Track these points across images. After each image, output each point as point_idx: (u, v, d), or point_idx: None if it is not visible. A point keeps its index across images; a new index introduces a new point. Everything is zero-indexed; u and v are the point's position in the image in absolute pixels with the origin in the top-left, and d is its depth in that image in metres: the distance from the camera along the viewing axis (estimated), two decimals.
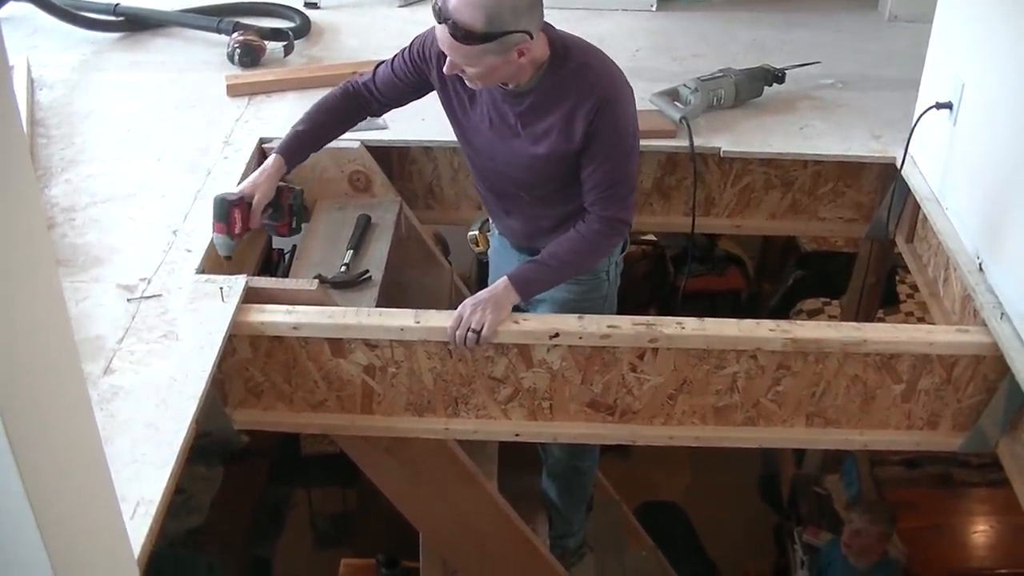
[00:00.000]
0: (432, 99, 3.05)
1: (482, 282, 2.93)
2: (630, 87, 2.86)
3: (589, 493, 4.14)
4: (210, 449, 4.14)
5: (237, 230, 3.01)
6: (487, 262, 3.53)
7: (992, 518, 5.36)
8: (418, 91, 3.07)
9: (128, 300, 2.91)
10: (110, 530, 1.69)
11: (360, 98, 3.13)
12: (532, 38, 2.64)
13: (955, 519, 5.44)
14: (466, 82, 2.78)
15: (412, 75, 2.98)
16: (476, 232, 3.42)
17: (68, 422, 1.46)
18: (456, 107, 2.98)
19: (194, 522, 5.26)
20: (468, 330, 2.82)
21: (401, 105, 3.19)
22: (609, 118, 2.74)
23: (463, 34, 2.57)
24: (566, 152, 2.81)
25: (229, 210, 2.99)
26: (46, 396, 1.37)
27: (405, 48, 2.99)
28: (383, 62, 3.08)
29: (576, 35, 2.89)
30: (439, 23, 2.61)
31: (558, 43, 2.77)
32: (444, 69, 2.75)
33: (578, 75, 2.76)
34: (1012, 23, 3.02)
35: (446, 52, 2.68)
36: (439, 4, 2.60)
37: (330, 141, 3.25)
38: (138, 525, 2.23)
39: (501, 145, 2.93)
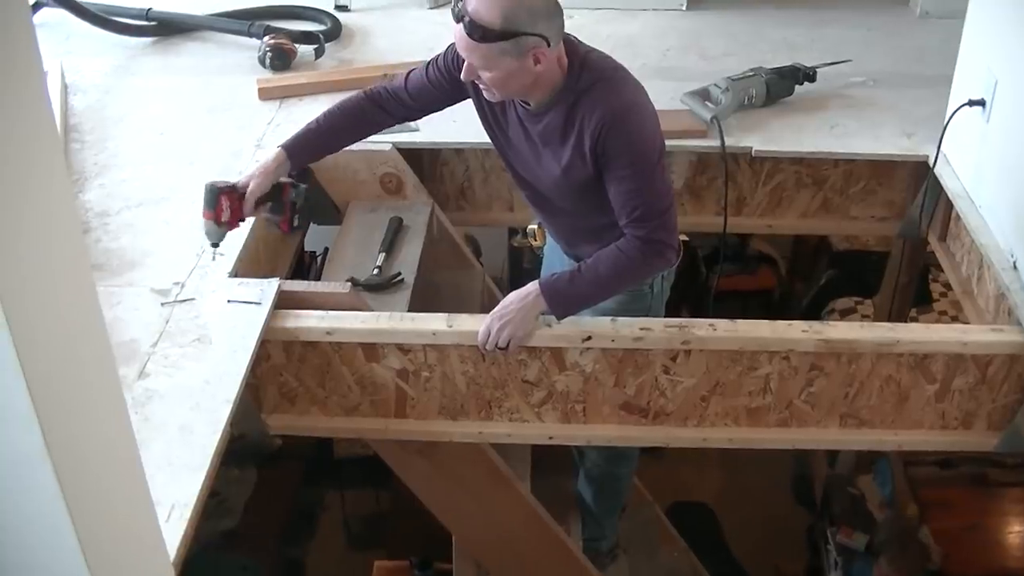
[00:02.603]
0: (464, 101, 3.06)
1: (515, 283, 2.92)
2: (647, 104, 2.83)
3: (624, 498, 4.14)
4: (244, 452, 4.17)
5: (224, 218, 2.97)
6: (527, 266, 3.52)
7: None
8: (452, 98, 3.06)
9: (162, 304, 2.93)
10: (146, 533, 1.70)
11: (382, 105, 3.11)
12: (550, 46, 2.64)
13: (990, 519, 5.41)
14: (484, 93, 2.79)
15: (447, 82, 2.97)
16: (535, 227, 3.40)
17: (104, 426, 1.47)
18: (490, 118, 2.99)
19: (228, 524, 5.29)
20: (495, 346, 2.84)
21: (433, 111, 3.18)
22: (618, 136, 2.71)
23: (480, 32, 2.58)
24: (584, 172, 2.81)
25: (217, 197, 2.96)
26: (82, 400, 1.38)
27: (440, 54, 2.99)
28: (415, 68, 3.08)
29: (602, 52, 2.87)
30: (456, 23, 2.62)
31: (576, 63, 2.76)
32: (462, 75, 2.76)
33: (587, 94, 2.74)
34: None
35: (463, 54, 2.69)
36: (458, 4, 2.61)
37: (343, 146, 3.24)
38: (173, 528, 2.24)
39: (532, 159, 2.94)
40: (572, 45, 2.78)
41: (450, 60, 2.93)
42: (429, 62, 3.02)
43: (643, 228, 2.77)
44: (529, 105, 2.83)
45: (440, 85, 3.00)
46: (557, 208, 3.08)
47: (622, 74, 2.82)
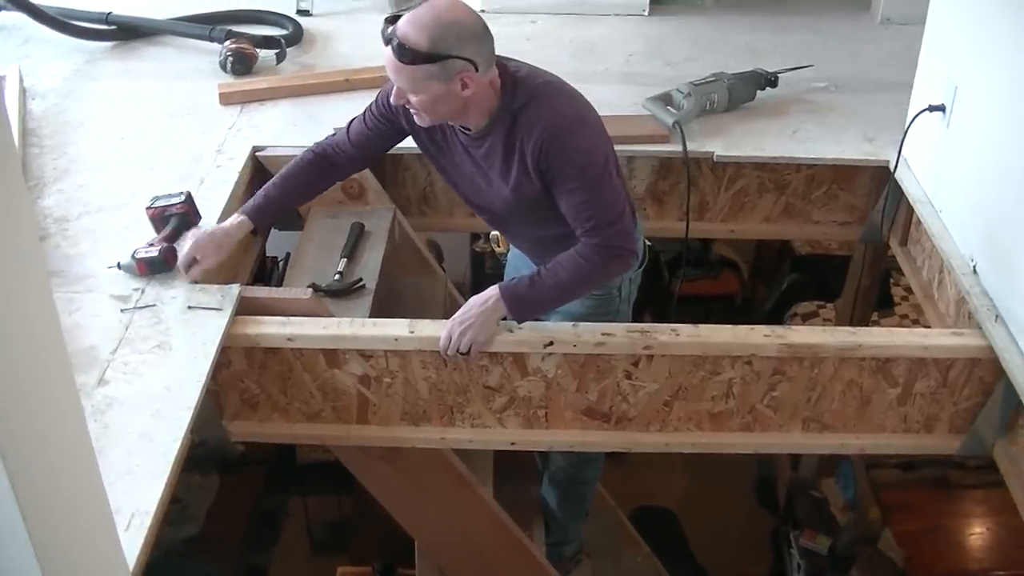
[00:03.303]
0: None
1: (477, 288, 2.92)
2: (586, 114, 2.83)
3: (588, 503, 4.14)
4: (206, 458, 4.14)
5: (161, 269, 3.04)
6: (490, 271, 3.52)
7: (989, 520, 5.35)
8: (393, 139, 3.08)
9: (122, 310, 2.91)
10: (104, 542, 1.68)
11: (330, 160, 3.11)
12: (478, 70, 2.65)
13: (952, 521, 5.43)
14: (415, 118, 2.80)
15: (383, 123, 2.99)
16: (499, 232, 3.40)
17: (60, 433, 1.46)
18: (432, 149, 3.01)
19: (190, 531, 5.26)
20: (457, 352, 2.84)
21: (378, 155, 3.24)
22: (558, 150, 2.72)
23: (409, 55, 2.60)
24: (533, 190, 2.81)
25: (166, 257, 3.03)
26: (38, 408, 1.37)
27: (373, 101, 3.01)
28: (353, 119, 3.09)
29: (533, 68, 2.88)
30: (385, 45, 2.64)
31: (509, 85, 2.77)
32: (392, 99, 2.79)
33: (523, 112, 2.75)
34: (1005, 24, 3.03)
35: (391, 77, 2.71)
36: (388, 28, 2.64)
37: (301, 205, 3.30)
38: (133, 537, 2.22)
39: (482, 183, 2.95)
40: (503, 67, 2.79)
41: (382, 101, 2.96)
42: (365, 110, 3.04)
43: (598, 236, 2.78)
44: (469, 130, 2.84)
45: (379, 129, 3.01)
46: (515, 225, 3.11)
47: (556, 87, 2.83)
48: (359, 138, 3.06)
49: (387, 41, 2.63)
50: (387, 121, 2.98)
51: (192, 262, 2.97)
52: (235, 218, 3.05)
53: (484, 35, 2.68)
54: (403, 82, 2.69)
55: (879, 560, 5.23)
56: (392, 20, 2.64)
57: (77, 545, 1.53)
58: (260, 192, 3.10)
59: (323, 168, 3.12)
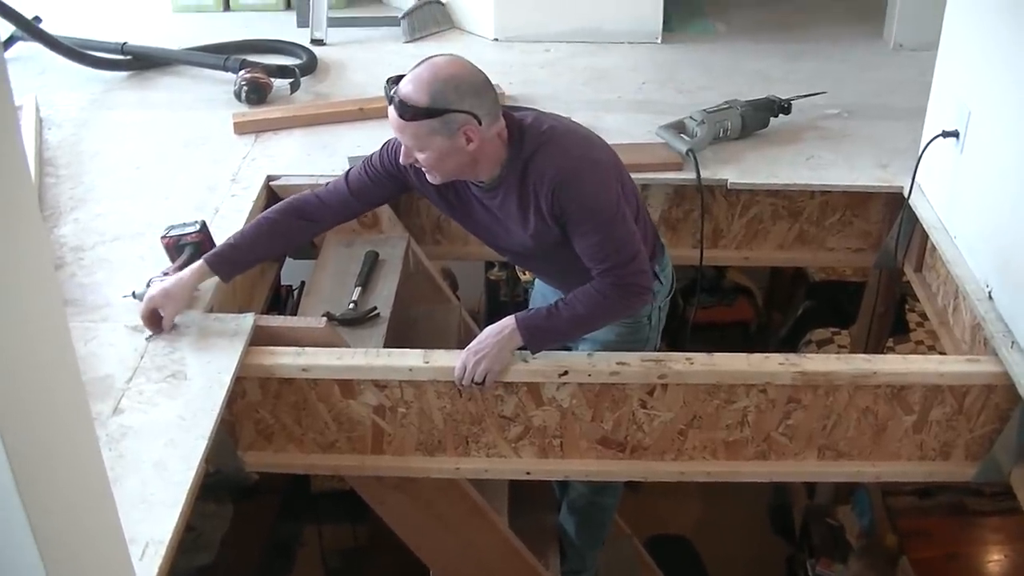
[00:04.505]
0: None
1: (492, 316, 2.92)
2: (597, 153, 2.85)
3: (607, 530, 4.12)
4: (220, 486, 4.13)
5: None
6: (504, 299, 3.53)
7: (1007, 547, 5.32)
8: (392, 193, 3.13)
9: (147, 339, 2.91)
10: (119, 572, 1.68)
11: (305, 215, 3.09)
12: (481, 123, 2.66)
13: (969, 548, 5.40)
14: (427, 176, 2.82)
15: (386, 178, 2.99)
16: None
17: (75, 463, 1.46)
18: (444, 206, 3.03)
19: (204, 560, 5.25)
20: (472, 382, 2.85)
21: (376, 206, 3.31)
22: (570, 197, 2.73)
23: (410, 112, 2.63)
24: (553, 234, 2.83)
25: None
26: (53, 437, 1.37)
27: (374, 153, 3.02)
28: (349, 169, 3.10)
29: (538, 113, 2.90)
30: (389, 104, 2.68)
31: (516, 134, 2.78)
32: (401, 159, 2.81)
33: (533, 160, 2.76)
34: (1017, 50, 3.03)
35: (398, 136, 2.74)
36: (390, 89, 2.67)
37: (270, 257, 3.26)
38: (147, 566, 2.22)
39: (500, 232, 2.96)
40: (509, 116, 2.81)
41: (388, 156, 2.96)
42: (363, 161, 3.04)
43: (613, 275, 2.80)
44: (482, 183, 2.86)
45: (380, 181, 3.01)
46: (541, 265, 3.16)
47: (562, 130, 2.84)
48: (358, 187, 3.05)
49: (390, 100, 2.67)
50: (391, 177, 2.98)
51: (152, 316, 2.94)
52: (194, 266, 3.01)
53: (484, 88, 2.70)
54: (408, 139, 2.71)
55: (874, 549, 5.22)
56: (395, 80, 2.69)
57: (91, 574, 1.53)
58: (227, 240, 3.07)
59: (293, 225, 3.08)
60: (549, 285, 3.29)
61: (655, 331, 3.26)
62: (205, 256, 3.03)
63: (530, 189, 2.77)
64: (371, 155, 3.03)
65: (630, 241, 2.82)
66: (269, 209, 3.13)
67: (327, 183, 3.14)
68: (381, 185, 3.02)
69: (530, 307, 3.10)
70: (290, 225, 3.08)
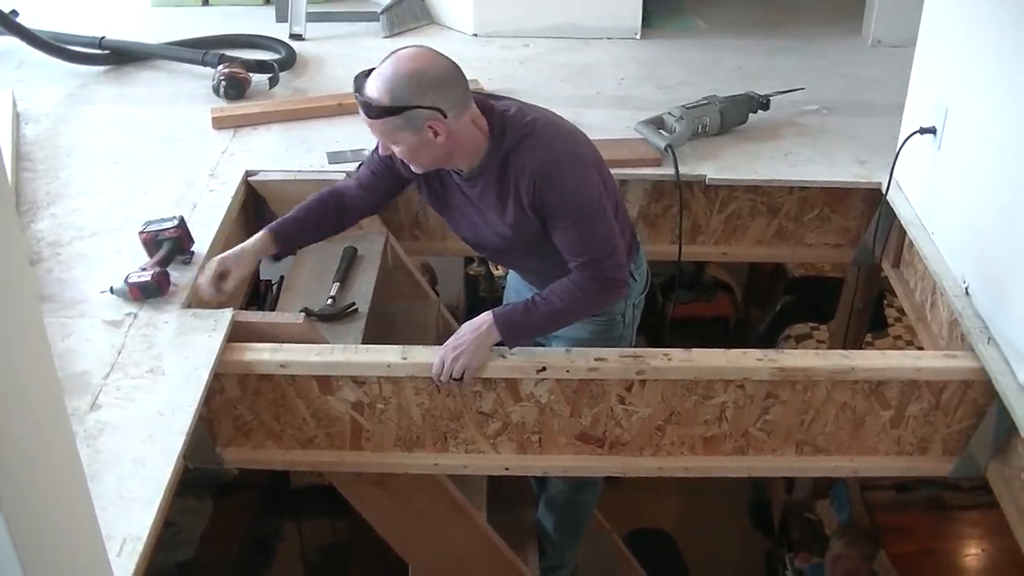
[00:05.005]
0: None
1: (471, 311, 2.92)
2: (579, 148, 2.85)
3: (585, 527, 4.13)
4: (199, 482, 4.13)
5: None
6: (483, 294, 3.52)
7: (984, 541, 5.34)
8: (395, 185, 3.12)
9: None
10: (95, 568, 1.68)
11: (343, 200, 3.12)
12: (447, 117, 2.66)
13: (947, 543, 5.42)
14: (410, 166, 2.84)
15: (384, 170, 3.02)
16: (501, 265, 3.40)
17: (51, 459, 1.45)
18: (429, 195, 3.03)
19: (184, 555, 5.24)
20: (450, 377, 2.85)
21: (381, 206, 3.30)
22: (551, 189, 2.73)
23: (374, 110, 2.66)
24: (531, 227, 2.83)
25: (158, 282, 3.03)
26: (28, 434, 1.36)
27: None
28: (360, 165, 3.15)
29: (522, 105, 2.90)
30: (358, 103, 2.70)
31: (497, 125, 2.79)
32: (380, 150, 2.84)
33: (515, 152, 2.76)
34: (994, 47, 3.04)
35: (370, 130, 2.76)
36: (357, 84, 2.70)
37: (315, 241, 3.23)
38: (125, 563, 2.21)
39: (480, 223, 2.96)
40: (490, 107, 2.81)
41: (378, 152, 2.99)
42: (372, 153, 3.07)
43: (592, 269, 2.81)
44: (462, 172, 2.86)
45: (380, 173, 3.04)
46: (518, 259, 3.15)
47: (543, 123, 2.84)
48: (367, 182, 3.09)
49: (357, 99, 2.69)
50: (387, 168, 3.01)
51: (218, 278, 2.97)
52: (259, 235, 3.04)
53: (448, 81, 2.69)
54: (378, 135, 2.75)
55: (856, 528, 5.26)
56: (365, 76, 2.70)
57: (67, 571, 1.52)
58: (283, 219, 3.09)
59: (336, 206, 3.11)
60: (525, 280, 3.28)
61: (629, 329, 3.26)
62: (271, 226, 3.05)
63: (511, 181, 2.77)
64: (374, 147, 3.03)
65: (609, 236, 2.82)
66: (314, 195, 3.14)
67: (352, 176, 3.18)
68: (382, 177, 3.04)
69: (504, 303, 3.09)
70: (335, 210, 3.12)
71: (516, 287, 3.39)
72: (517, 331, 2.87)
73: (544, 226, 2.81)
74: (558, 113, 2.96)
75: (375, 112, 2.66)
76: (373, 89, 2.65)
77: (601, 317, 3.13)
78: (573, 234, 2.78)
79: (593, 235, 2.79)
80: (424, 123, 2.65)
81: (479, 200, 2.89)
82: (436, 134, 2.67)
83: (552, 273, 2.90)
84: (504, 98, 2.91)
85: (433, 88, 2.65)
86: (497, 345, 2.88)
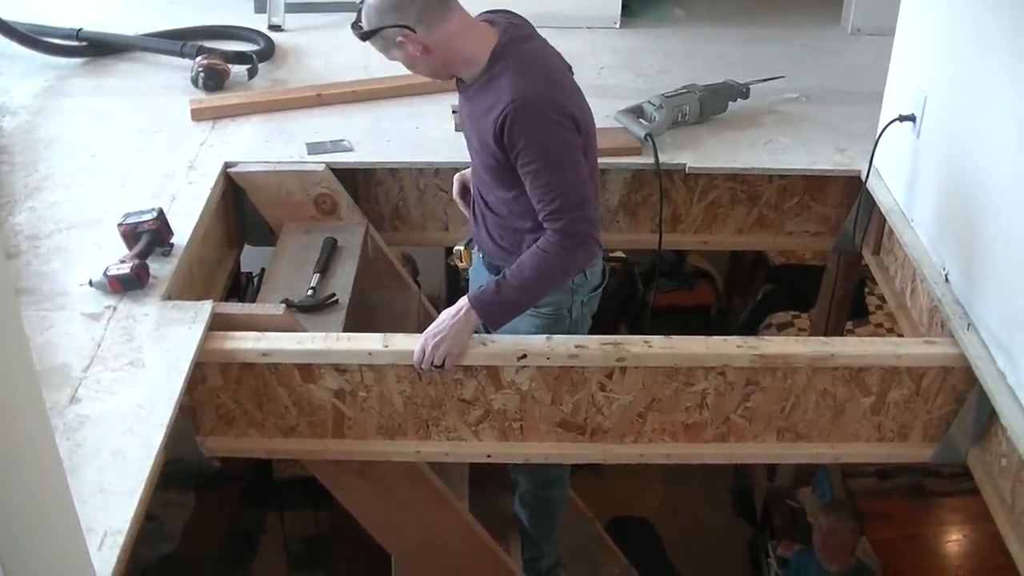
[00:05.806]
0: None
1: (453, 301, 2.91)
2: (559, 99, 2.83)
3: (559, 519, 4.12)
4: (182, 475, 4.12)
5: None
6: (466, 280, 3.51)
7: (965, 527, 5.36)
8: None
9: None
10: (75, 562, 1.67)
11: None
12: (416, 31, 2.73)
13: (928, 529, 5.45)
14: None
15: None
16: (462, 248, 3.39)
17: (30, 453, 1.45)
18: (459, 107, 3.11)
19: (167, 548, 5.24)
20: (431, 365, 2.86)
21: None
22: (520, 127, 2.73)
23: (359, 34, 2.84)
24: (493, 151, 2.82)
25: (137, 274, 3.03)
26: (6, 428, 1.36)
27: None
28: None
29: (541, 46, 2.95)
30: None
31: (498, 48, 2.82)
32: None
33: (499, 79, 2.79)
34: (972, 35, 3.05)
35: None
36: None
37: None
38: (106, 556, 2.21)
39: (473, 136, 2.97)
40: (510, 29, 2.87)
41: None
42: None
43: (560, 220, 2.78)
44: (463, 81, 2.93)
45: None
46: (483, 204, 3.11)
47: (538, 65, 2.86)
48: None
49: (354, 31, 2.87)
50: None
51: (462, 192, 3.25)
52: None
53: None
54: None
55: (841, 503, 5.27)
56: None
57: (47, 565, 1.52)
58: None
59: None
60: (483, 267, 3.27)
61: (576, 326, 3.19)
62: None
63: (491, 103, 2.78)
64: None
65: (580, 187, 2.82)
66: None
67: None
68: None
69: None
70: None
71: (476, 279, 3.37)
72: (495, 310, 2.86)
73: (508, 162, 2.81)
74: None
75: (360, 38, 2.83)
76: (359, 16, 2.81)
77: (545, 309, 3.09)
78: (542, 179, 2.77)
79: (563, 182, 2.78)
80: (395, 41, 2.77)
81: (471, 112, 2.92)
82: (413, 48, 2.77)
83: (513, 248, 2.96)
84: (518, 21, 2.98)
85: (391, 8, 2.75)
86: (480, 333, 2.88)
